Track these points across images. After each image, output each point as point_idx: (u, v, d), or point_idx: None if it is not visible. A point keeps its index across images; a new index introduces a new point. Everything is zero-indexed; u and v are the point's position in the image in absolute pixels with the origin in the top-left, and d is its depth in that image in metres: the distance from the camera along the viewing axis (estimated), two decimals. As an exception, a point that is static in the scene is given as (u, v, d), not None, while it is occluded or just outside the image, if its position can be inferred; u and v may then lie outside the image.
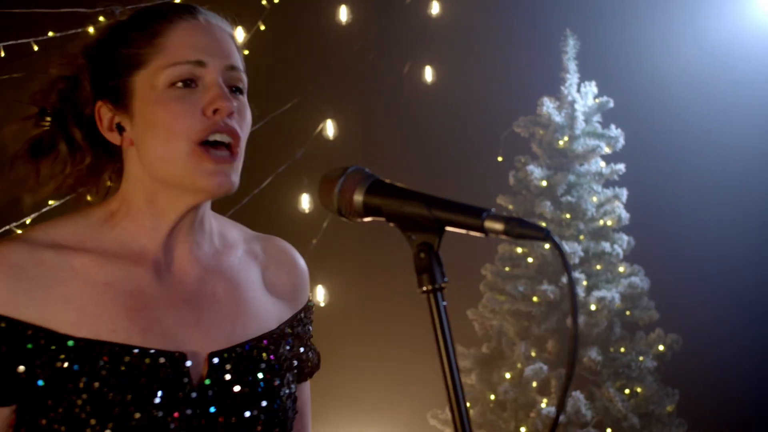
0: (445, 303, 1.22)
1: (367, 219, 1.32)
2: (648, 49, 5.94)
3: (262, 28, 5.87)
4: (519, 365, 5.58)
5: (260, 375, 1.51)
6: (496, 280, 5.80)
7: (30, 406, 1.40)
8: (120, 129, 1.51)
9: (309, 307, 1.69)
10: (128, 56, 1.50)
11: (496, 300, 5.70)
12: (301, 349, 1.65)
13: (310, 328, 1.70)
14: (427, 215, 1.23)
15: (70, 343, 1.39)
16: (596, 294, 5.37)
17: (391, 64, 6.44)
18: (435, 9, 5.97)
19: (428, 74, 6.10)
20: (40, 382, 1.38)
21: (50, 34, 4.98)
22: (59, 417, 1.38)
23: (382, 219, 1.28)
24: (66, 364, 1.38)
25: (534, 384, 5.37)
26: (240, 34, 5.66)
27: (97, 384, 1.38)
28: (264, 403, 1.49)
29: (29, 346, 1.38)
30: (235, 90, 1.51)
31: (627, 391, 5.41)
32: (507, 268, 5.80)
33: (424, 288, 1.21)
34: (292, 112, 6.12)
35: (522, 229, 1.16)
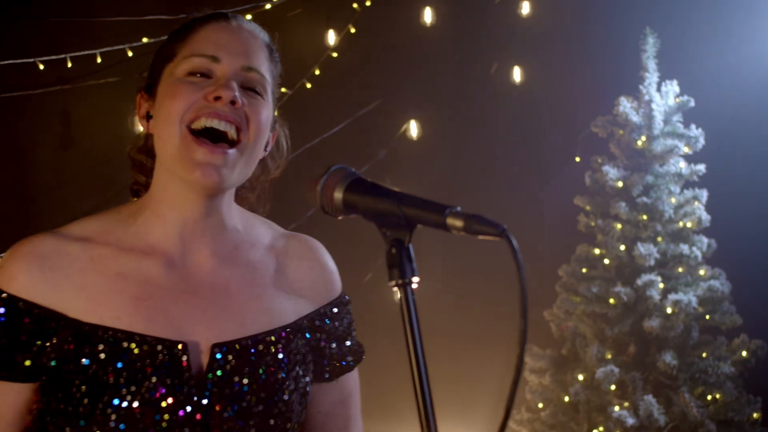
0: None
1: (349, 216, 1.37)
2: (731, 47, 5.75)
3: (353, 30, 5.96)
4: (592, 367, 5.51)
5: (263, 368, 1.51)
6: (571, 281, 5.73)
7: (45, 386, 1.45)
8: (149, 117, 1.58)
9: (341, 303, 1.70)
10: (164, 52, 1.59)
11: (571, 301, 5.63)
12: (333, 345, 1.65)
13: (345, 322, 1.70)
14: (397, 212, 1.28)
15: (77, 327, 1.44)
16: (672, 297, 5.27)
17: (478, 64, 6.43)
18: (525, 9, 5.94)
19: (516, 75, 6.09)
20: (53, 362, 1.43)
21: (144, 40, 5.25)
22: (62, 398, 1.43)
23: (360, 216, 1.34)
24: (72, 347, 1.43)
25: (613, 387, 5.28)
26: (332, 37, 5.77)
27: (94, 366, 1.41)
28: (263, 396, 1.50)
29: (44, 328, 1.44)
30: (251, 90, 1.54)
31: (708, 397, 5.28)
32: (584, 270, 5.72)
33: (394, 282, 1.25)
34: (376, 112, 6.21)
35: (479, 226, 1.21)
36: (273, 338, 1.54)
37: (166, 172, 1.55)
